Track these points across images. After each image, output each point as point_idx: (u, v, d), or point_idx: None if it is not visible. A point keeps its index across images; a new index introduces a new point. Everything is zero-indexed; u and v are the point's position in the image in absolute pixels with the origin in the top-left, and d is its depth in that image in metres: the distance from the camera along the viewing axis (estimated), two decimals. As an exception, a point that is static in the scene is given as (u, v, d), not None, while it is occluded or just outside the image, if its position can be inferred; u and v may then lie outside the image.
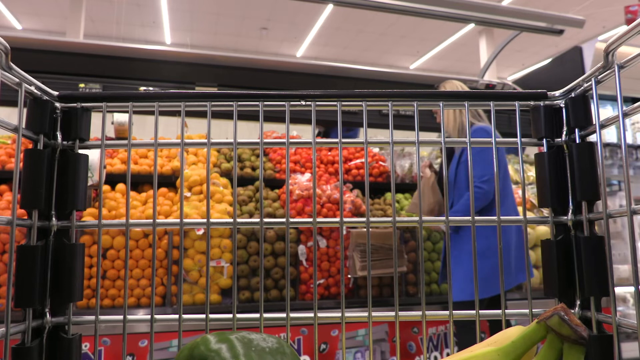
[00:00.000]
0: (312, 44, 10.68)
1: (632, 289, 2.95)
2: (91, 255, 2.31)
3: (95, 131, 0.80)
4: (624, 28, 0.52)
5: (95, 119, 0.71)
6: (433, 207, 2.47)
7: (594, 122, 0.62)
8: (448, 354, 2.60)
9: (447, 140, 0.67)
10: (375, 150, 3.43)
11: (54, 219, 0.63)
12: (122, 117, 2.89)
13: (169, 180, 2.80)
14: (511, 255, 2.30)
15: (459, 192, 2.40)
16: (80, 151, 0.66)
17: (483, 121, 2.49)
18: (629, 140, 3.83)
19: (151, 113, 0.66)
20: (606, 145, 3.62)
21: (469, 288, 2.22)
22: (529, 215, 0.64)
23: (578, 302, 0.61)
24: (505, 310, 0.62)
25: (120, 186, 2.69)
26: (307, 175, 2.88)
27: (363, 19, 9.08)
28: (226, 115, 2.80)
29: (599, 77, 0.59)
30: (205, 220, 0.63)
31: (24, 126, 0.61)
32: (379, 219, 0.66)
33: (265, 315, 0.63)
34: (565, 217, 0.63)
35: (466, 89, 2.57)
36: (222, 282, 2.41)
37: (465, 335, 2.36)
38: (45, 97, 0.64)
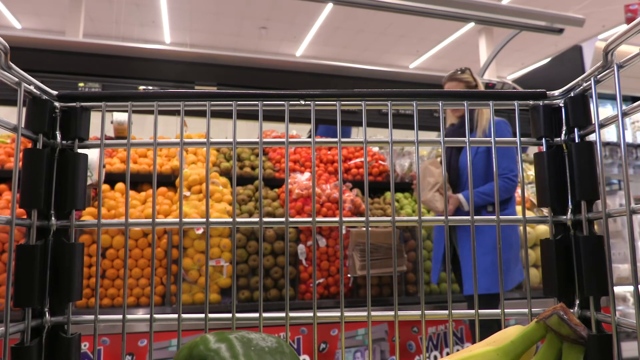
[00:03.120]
0: (312, 44, 10.67)
1: (631, 288, 2.95)
2: (90, 255, 2.31)
3: (94, 130, 0.80)
4: (623, 27, 0.52)
5: (95, 118, 0.71)
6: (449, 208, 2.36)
7: (593, 122, 0.62)
8: (448, 354, 2.60)
9: (447, 140, 0.67)
10: (375, 149, 3.43)
11: (53, 218, 0.63)
12: (121, 117, 2.89)
13: (169, 180, 2.80)
14: (521, 252, 2.29)
15: (474, 182, 2.32)
16: (80, 150, 0.66)
17: (500, 115, 2.50)
18: (629, 139, 3.83)
19: (150, 112, 0.66)
20: (606, 144, 3.63)
21: (484, 282, 2.17)
22: (529, 214, 0.64)
23: (577, 302, 0.61)
24: (505, 310, 0.62)
25: (120, 185, 2.69)
26: (307, 174, 2.88)
27: (362, 19, 9.08)
28: (225, 115, 2.80)
29: (599, 76, 0.59)
30: (204, 219, 0.63)
31: (23, 125, 0.61)
32: (379, 219, 0.66)
33: (265, 314, 0.63)
34: (565, 217, 0.63)
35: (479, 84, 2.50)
36: (221, 282, 2.41)
37: (483, 330, 2.34)
38: (45, 97, 0.64)
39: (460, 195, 2.32)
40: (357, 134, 4.22)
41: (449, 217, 0.64)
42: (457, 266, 2.39)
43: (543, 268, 0.65)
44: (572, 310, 0.61)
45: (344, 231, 2.70)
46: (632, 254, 0.50)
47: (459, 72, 2.46)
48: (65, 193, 0.64)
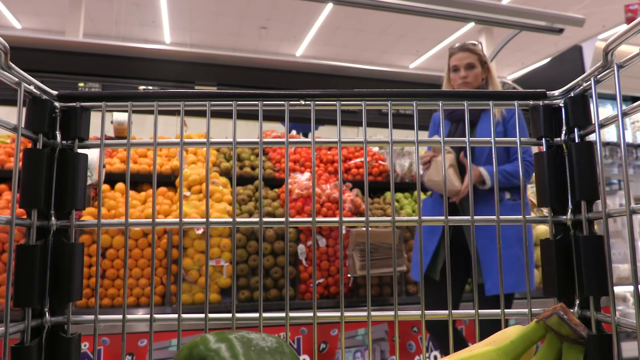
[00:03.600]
0: (312, 44, 10.67)
1: (631, 288, 2.95)
2: (90, 255, 2.31)
3: (94, 130, 0.80)
4: (623, 27, 0.52)
5: (95, 118, 0.71)
6: (461, 189, 2.06)
7: (593, 122, 0.62)
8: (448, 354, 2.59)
9: (447, 140, 0.67)
10: (375, 149, 3.43)
11: (53, 218, 0.62)
12: (121, 117, 2.89)
13: (169, 180, 2.80)
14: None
15: (491, 161, 2.08)
16: (80, 150, 0.66)
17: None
18: (629, 139, 3.84)
19: (150, 112, 0.66)
20: (606, 144, 3.63)
21: (509, 279, 1.93)
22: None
23: (577, 302, 0.61)
24: (505, 310, 0.62)
25: (120, 185, 2.69)
26: (307, 174, 2.88)
27: (362, 19, 9.08)
28: (225, 115, 2.80)
29: (599, 76, 0.59)
30: (204, 219, 0.63)
31: (23, 125, 0.61)
32: (378, 219, 0.66)
33: (265, 314, 0.63)
34: (565, 217, 0.63)
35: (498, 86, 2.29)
36: (221, 282, 2.41)
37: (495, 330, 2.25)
38: (45, 97, 0.64)
39: (482, 169, 2.04)
40: (357, 134, 4.22)
41: (449, 217, 0.64)
42: (465, 262, 2.13)
43: (543, 268, 0.65)
44: (572, 310, 0.61)
45: (344, 231, 2.71)
46: (632, 254, 0.50)
47: (471, 44, 2.22)
48: (65, 193, 0.64)
